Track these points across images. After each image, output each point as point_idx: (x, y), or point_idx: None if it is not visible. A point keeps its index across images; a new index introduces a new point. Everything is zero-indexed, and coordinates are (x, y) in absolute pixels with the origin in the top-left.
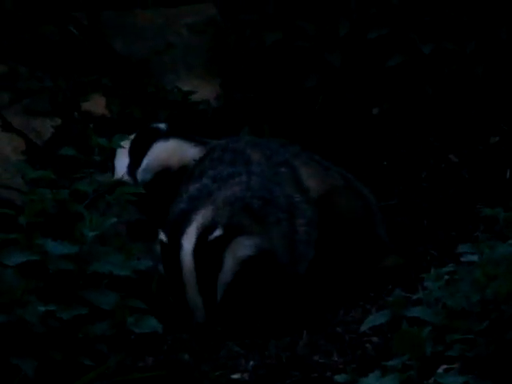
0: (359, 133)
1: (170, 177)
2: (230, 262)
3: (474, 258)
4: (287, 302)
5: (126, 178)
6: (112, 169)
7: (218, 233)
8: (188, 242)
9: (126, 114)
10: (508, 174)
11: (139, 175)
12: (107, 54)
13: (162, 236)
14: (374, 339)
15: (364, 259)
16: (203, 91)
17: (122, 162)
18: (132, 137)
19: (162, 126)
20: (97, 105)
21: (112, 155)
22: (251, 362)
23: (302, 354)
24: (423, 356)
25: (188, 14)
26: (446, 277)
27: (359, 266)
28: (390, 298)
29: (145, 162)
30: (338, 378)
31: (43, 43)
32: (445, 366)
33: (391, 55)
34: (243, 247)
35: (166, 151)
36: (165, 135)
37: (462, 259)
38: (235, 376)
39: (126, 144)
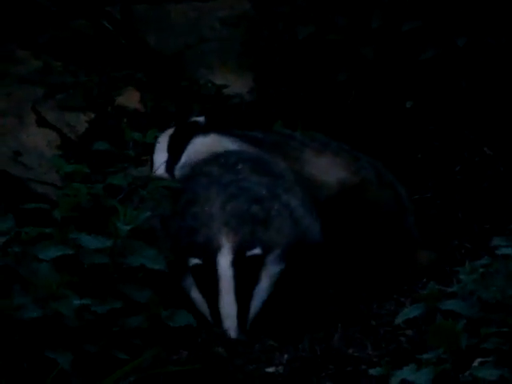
0: (393, 126)
1: None
2: (266, 278)
3: (509, 250)
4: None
5: (164, 174)
6: (150, 164)
7: (257, 251)
8: (225, 257)
9: (159, 108)
10: None
11: (177, 171)
12: (141, 48)
13: (194, 260)
14: (409, 332)
15: (393, 252)
16: (236, 85)
17: (160, 157)
18: (170, 131)
19: (201, 119)
20: (130, 99)
21: (151, 150)
22: (286, 356)
23: (336, 347)
24: (458, 349)
25: (221, 7)
26: (481, 270)
27: (389, 260)
28: (425, 291)
29: (183, 158)
30: (372, 371)
31: (77, 38)
32: (480, 359)
33: (425, 48)
34: (274, 264)
35: (206, 146)
36: (204, 130)
37: (497, 252)
38: (269, 369)
39: (165, 138)
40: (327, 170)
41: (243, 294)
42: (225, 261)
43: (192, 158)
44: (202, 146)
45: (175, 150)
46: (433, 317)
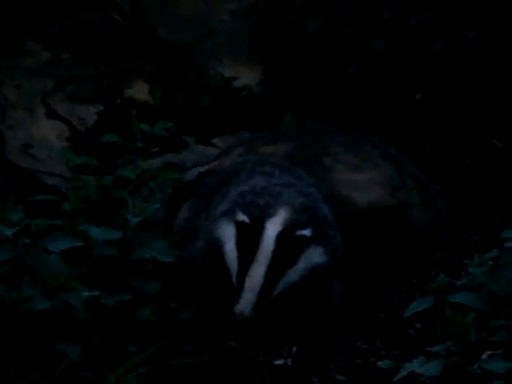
0: (402, 119)
1: None
2: (302, 264)
3: None
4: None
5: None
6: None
7: (307, 233)
8: (273, 227)
9: (168, 100)
10: None
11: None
12: (150, 40)
13: (243, 217)
14: (418, 325)
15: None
16: (245, 77)
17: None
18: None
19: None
20: (140, 91)
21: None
22: (294, 348)
23: (345, 339)
24: (467, 342)
25: None
26: (490, 262)
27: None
28: (434, 284)
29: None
30: (381, 363)
31: (87, 30)
32: (489, 352)
33: (434, 40)
34: (320, 255)
35: None
36: None
37: (506, 245)
38: (278, 362)
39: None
40: (361, 189)
41: (276, 271)
42: (272, 231)
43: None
44: None
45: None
46: (442, 309)
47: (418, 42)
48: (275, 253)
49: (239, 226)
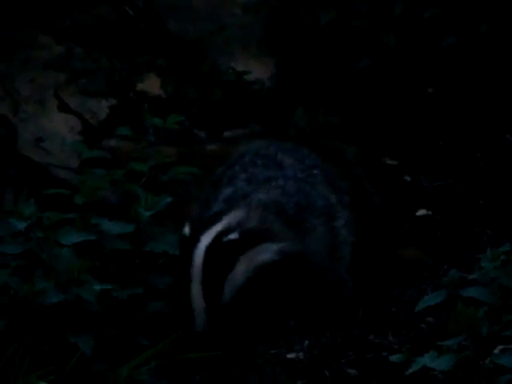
0: (414, 113)
1: None
2: (243, 266)
3: None
4: (331, 306)
5: None
6: None
7: (233, 236)
8: (206, 238)
9: (180, 94)
10: None
11: None
12: (162, 34)
13: (186, 229)
14: (430, 319)
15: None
16: (257, 71)
17: None
18: None
19: None
20: (152, 85)
21: None
22: (306, 342)
23: (357, 333)
24: (479, 336)
25: None
26: (502, 257)
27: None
28: (446, 278)
29: None
30: (393, 357)
31: (99, 24)
32: (501, 347)
33: (446, 34)
34: (265, 252)
35: None
36: None
37: None
38: (290, 355)
39: None
40: None
41: (213, 280)
42: (203, 244)
43: None
44: None
45: None
46: (454, 304)
47: (429, 36)
48: (206, 264)
49: (183, 239)
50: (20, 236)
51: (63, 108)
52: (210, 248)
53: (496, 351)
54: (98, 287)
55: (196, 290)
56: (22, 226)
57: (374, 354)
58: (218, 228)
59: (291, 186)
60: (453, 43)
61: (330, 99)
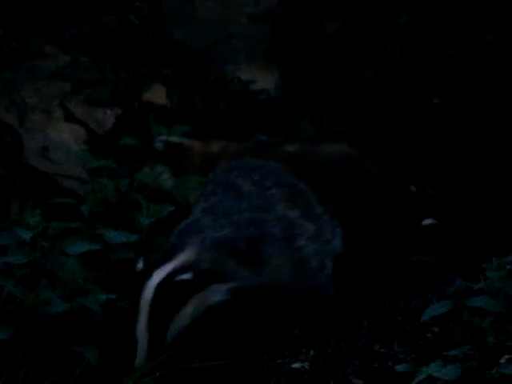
0: (420, 122)
1: None
2: (192, 308)
3: None
4: (315, 316)
5: None
6: None
7: (185, 277)
8: (158, 275)
9: (186, 104)
10: None
11: None
12: (168, 43)
13: (140, 263)
14: (435, 329)
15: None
16: (263, 81)
17: None
18: None
19: None
20: (157, 94)
21: None
22: (311, 351)
23: (362, 343)
24: (485, 346)
25: (248, 3)
26: (508, 267)
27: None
28: (452, 288)
29: None
30: (398, 367)
31: (104, 33)
32: (507, 356)
33: (452, 44)
34: (215, 293)
35: None
36: None
37: None
38: (296, 365)
39: None
40: None
41: (160, 319)
42: (154, 280)
43: None
44: None
45: None
46: (460, 313)
47: (435, 45)
48: (155, 302)
49: (136, 273)
50: (25, 246)
51: (69, 118)
52: (161, 285)
53: (502, 361)
54: (103, 297)
55: (142, 325)
56: (27, 235)
57: (380, 364)
58: (171, 266)
59: (245, 219)
60: (458, 53)
61: (336, 109)
